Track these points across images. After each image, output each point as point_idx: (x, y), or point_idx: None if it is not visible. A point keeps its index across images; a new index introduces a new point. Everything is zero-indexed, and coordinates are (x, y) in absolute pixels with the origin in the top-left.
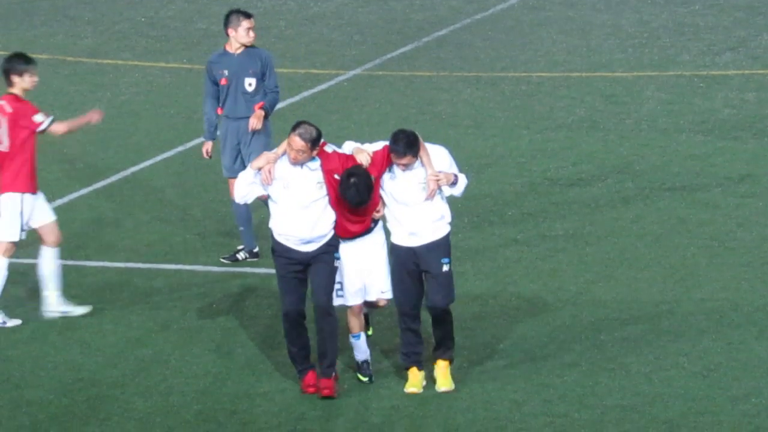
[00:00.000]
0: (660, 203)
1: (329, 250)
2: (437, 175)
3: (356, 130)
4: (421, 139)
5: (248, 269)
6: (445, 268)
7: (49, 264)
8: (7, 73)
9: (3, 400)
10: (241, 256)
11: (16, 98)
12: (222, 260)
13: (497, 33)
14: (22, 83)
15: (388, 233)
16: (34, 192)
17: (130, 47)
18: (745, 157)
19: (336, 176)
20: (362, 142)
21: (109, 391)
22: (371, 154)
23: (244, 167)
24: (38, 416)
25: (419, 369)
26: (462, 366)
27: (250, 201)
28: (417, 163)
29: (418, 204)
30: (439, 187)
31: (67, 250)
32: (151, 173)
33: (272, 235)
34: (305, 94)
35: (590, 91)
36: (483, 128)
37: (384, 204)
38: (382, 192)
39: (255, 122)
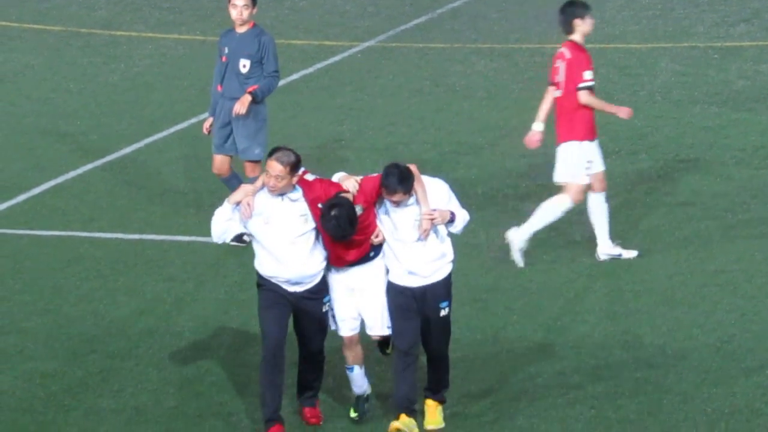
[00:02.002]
0: (674, 175)
1: (318, 296)
2: (432, 214)
3: (370, 102)
4: (416, 173)
5: None
6: (443, 312)
7: (598, 209)
8: (569, 19)
9: (17, 371)
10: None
11: (575, 45)
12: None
13: (511, 5)
14: (583, 26)
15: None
16: (592, 139)
17: (143, 19)
18: (759, 128)
19: (320, 205)
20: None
21: (123, 363)
22: (359, 181)
23: (235, 147)
24: (52, 388)
25: (408, 415)
26: (476, 338)
27: (228, 240)
28: (411, 199)
29: (414, 242)
30: (435, 226)
31: (80, 222)
32: (164, 145)
33: (257, 274)
34: (318, 65)
35: (604, 63)
36: (497, 100)
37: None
38: (378, 223)
39: (238, 107)
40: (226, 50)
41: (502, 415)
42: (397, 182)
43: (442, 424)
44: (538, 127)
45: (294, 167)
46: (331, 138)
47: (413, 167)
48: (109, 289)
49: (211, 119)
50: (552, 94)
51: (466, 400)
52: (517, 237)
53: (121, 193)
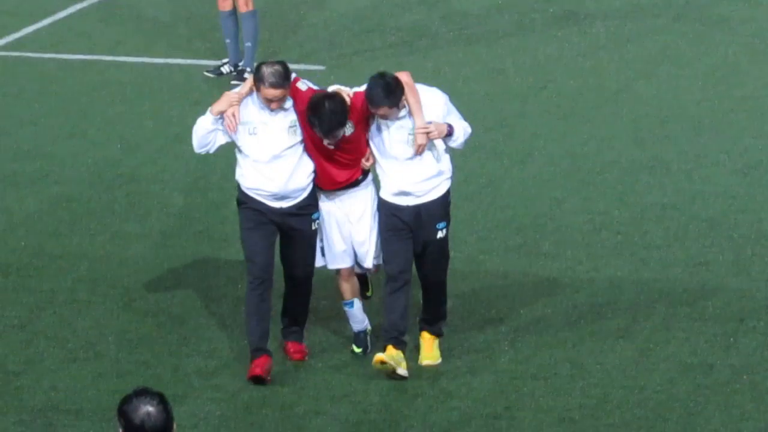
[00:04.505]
0: (701, 1)
1: (307, 211)
2: (427, 128)
3: None
4: (409, 83)
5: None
6: (440, 234)
7: None
8: None
9: (42, 195)
10: (225, 69)
11: None
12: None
13: None
14: None
15: (378, 186)
16: None
17: None
18: None
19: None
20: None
21: (149, 187)
22: (351, 95)
23: None
24: (78, 212)
25: (396, 347)
26: (503, 164)
27: (212, 151)
28: (403, 112)
29: (407, 159)
30: (432, 140)
31: (106, 45)
32: None
33: (239, 188)
34: None
35: None
36: None
37: (372, 153)
38: (370, 142)
39: None
40: None
41: (528, 240)
42: (383, 95)
43: (438, 360)
44: None
45: (287, 78)
46: None
47: (405, 76)
48: (135, 114)
49: None
50: None
51: (492, 226)
52: None
53: (147, 17)
